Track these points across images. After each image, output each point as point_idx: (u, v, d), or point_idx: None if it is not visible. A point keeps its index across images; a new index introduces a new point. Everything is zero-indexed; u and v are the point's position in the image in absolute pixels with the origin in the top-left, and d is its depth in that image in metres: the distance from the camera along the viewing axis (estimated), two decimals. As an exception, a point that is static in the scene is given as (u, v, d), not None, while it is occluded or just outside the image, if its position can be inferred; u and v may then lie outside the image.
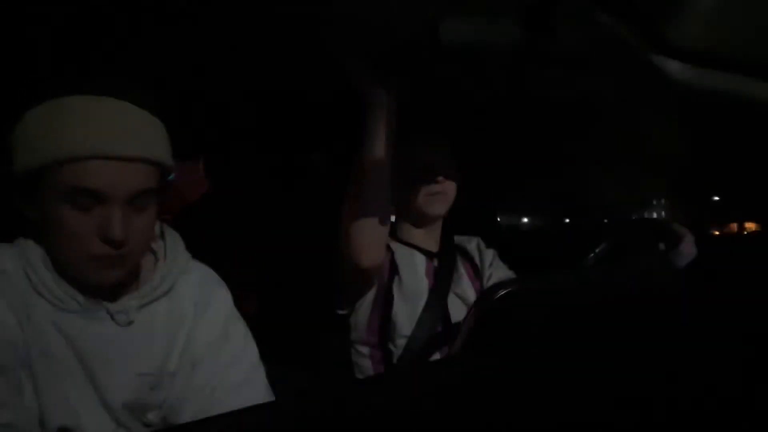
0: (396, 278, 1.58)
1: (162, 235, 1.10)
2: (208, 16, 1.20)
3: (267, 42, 1.35)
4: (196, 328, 1.06)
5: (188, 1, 1.11)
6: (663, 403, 0.63)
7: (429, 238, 1.67)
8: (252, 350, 1.12)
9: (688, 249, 1.26)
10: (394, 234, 1.68)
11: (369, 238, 1.41)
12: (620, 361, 0.69)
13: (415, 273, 1.60)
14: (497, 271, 1.72)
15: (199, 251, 1.14)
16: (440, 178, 1.59)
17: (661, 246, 1.29)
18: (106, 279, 0.97)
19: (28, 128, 0.93)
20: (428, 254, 1.65)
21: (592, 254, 1.14)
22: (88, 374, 0.97)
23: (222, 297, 1.12)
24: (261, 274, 1.84)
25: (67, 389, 0.96)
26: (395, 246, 1.64)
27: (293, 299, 1.77)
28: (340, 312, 1.57)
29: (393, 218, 1.81)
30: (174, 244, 1.11)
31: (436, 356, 1.54)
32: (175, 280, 1.07)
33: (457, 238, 1.76)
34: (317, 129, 1.94)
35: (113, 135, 0.91)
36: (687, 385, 0.67)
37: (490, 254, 1.75)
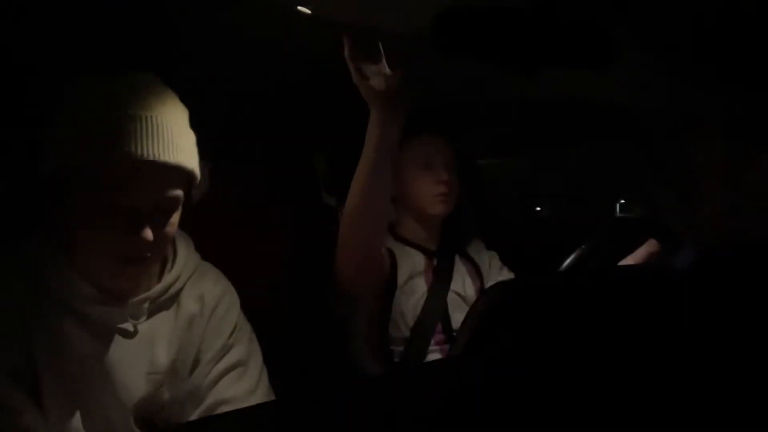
0: (395, 277, 1.58)
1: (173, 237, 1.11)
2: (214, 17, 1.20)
3: (271, 44, 1.35)
4: (204, 329, 1.08)
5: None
6: (665, 401, 0.63)
7: (429, 236, 1.67)
8: (257, 355, 1.13)
9: (687, 249, 1.26)
10: (393, 231, 1.67)
11: (363, 253, 1.40)
12: (622, 361, 0.69)
13: (414, 272, 1.60)
14: (497, 272, 1.72)
15: (205, 251, 1.15)
16: (445, 178, 1.59)
17: (661, 246, 1.29)
18: (125, 280, 0.99)
19: (64, 128, 0.94)
20: (428, 253, 1.65)
21: (583, 252, 1.14)
22: (102, 374, 0.98)
23: (230, 300, 1.14)
24: (265, 276, 1.84)
25: (83, 390, 0.96)
26: (394, 245, 1.63)
27: (295, 300, 1.78)
28: (339, 312, 1.57)
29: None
30: (185, 246, 1.12)
31: (437, 355, 1.54)
32: (185, 282, 1.08)
33: (458, 238, 1.76)
34: (319, 130, 1.94)
35: (155, 140, 0.92)
36: (688, 384, 0.67)
37: (490, 255, 1.75)
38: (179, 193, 0.97)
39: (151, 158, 0.91)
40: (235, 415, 0.76)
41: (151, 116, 0.93)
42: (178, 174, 0.96)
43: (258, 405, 0.99)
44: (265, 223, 1.75)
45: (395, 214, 1.69)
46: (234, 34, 1.33)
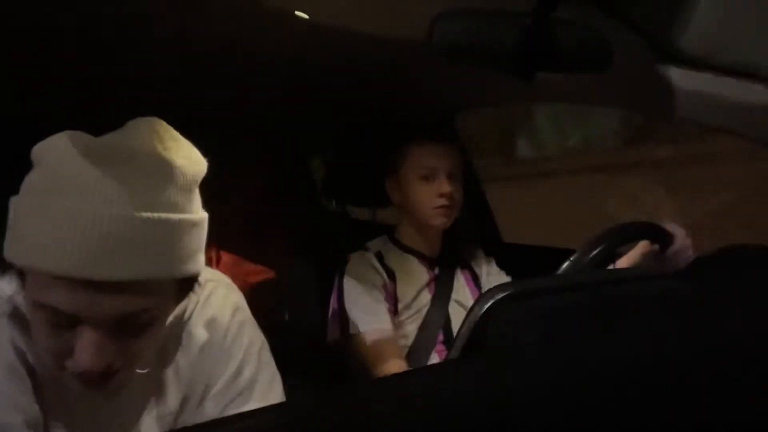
0: (397, 286, 1.57)
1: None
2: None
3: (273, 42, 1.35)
4: (215, 354, 0.96)
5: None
6: (661, 402, 0.63)
7: (430, 244, 1.65)
8: (270, 364, 1.03)
9: (684, 249, 1.26)
10: (393, 237, 1.67)
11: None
12: (619, 363, 0.69)
13: (418, 288, 1.59)
14: (495, 278, 1.71)
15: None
16: (447, 190, 1.54)
17: (656, 247, 1.29)
18: (90, 393, 0.79)
19: (12, 219, 0.73)
20: (428, 261, 1.64)
21: (579, 255, 1.14)
22: (110, 421, 0.89)
23: (242, 316, 1.01)
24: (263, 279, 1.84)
25: None
26: (395, 254, 1.63)
27: (293, 303, 1.78)
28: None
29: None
30: None
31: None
32: (194, 308, 0.96)
33: (457, 245, 1.75)
34: (317, 134, 1.94)
35: (89, 250, 0.67)
36: (685, 386, 0.67)
37: (489, 262, 1.75)
38: (146, 305, 0.74)
39: (84, 276, 0.67)
40: (234, 419, 0.76)
41: (98, 214, 0.67)
42: (135, 288, 0.71)
43: (258, 409, 0.98)
44: (263, 227, 1.75)
45: (397, 220, 1.69)
46: (233, 38, 1.34)
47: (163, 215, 0.71)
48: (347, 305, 1.52)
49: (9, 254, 0.72)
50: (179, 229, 0.73)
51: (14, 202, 0.73)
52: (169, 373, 0.93)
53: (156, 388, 0.92)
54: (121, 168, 0.69)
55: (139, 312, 0.74)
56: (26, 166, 0.73)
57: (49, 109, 1.37)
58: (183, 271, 0.75)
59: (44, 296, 0.71)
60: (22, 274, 0.74)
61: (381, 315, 1.50)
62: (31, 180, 0.73)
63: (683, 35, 1.13)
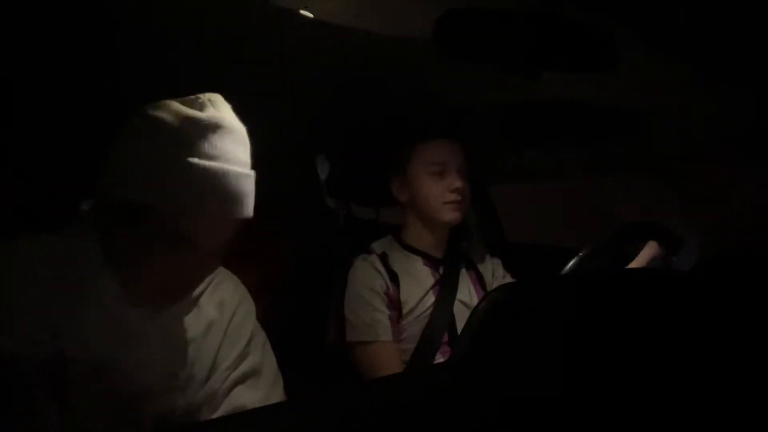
0: (401, 290, 1.56)
1: None
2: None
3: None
4: (222, 336, 1.08)
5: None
6: (668, 403, 0.63)
7: (436, 244, 1.64)
8: (272, 362, 1.13)
9: (691, 252, 1.25)
10: (399, 238, 1.66)
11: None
12: (623, 363, 0.69)
13: (420, 285, 1.58)
14: (501, 280, 1.70)
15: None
16: (459, 186, 1.54)
17: (663, 249, 1.28)
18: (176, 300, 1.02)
19: (145, 161, 0.93)
20: (433, 261, 1.64)
21: (584, 255, 1.13)
22: (121, 373, 0.97)
23: (247, 308, 1.14)
24: (266, 279, 1.84)
25: (103, 387, 0.96)
26: (400, 255, 1.62)
27: (298, 304, 1.78)
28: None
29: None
30: None
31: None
32: (206, 286, 1.08)
33: (463, 245, 1.74)
34: (321, 132, 1.94)
35: (242, 198, 0.96)
36: (690, 386, 0.67)
37: (494, 263, 1.74)
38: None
39: (238, 216, 0.95)
40: (238, 418, 0.76)
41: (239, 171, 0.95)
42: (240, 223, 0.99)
43: (260, 408, 0.99)
44: (267, 226, 1.75)
45: (402, 220, 1.68)
46: (236, 37, 1.34)
47: (248, 171, 0.98)
48: (347, 313, 1.52)
49: (150, 198, 0.90)
50: (252, 180, 0.99)
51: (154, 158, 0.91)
52: (179, 339, 1.03)
53: (167, 350, 1.02)
54: (227, 136, 0.96)
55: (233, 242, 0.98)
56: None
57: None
58: (251, 212, 0.99)
59: (184, 227, 0.92)
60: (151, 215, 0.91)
61: (381, 326, 1.49)
62: (169, 143, 0.92)
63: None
